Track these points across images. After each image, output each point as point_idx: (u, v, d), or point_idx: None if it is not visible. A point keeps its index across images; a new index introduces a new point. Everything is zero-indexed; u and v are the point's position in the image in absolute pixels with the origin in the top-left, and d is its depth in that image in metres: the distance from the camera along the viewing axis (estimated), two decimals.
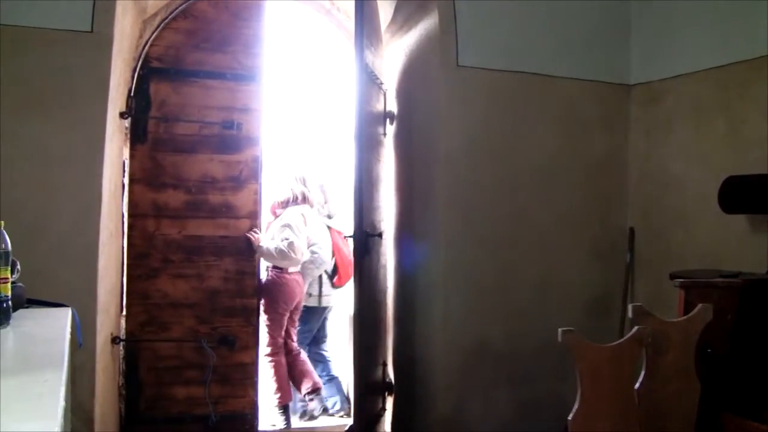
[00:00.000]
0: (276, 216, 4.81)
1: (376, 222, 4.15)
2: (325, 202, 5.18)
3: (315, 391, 4.89)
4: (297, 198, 4.80)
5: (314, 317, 5.23)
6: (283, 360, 4.78)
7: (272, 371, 4.71)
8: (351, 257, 5.13)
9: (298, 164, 5.15)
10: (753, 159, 3.38)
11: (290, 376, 4.85)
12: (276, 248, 4.46)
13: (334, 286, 5.24)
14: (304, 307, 5.04)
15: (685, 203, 3.86)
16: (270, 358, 4.71)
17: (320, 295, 5.18)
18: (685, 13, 3.89)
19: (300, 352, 4.94)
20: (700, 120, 3.81)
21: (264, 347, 4.66)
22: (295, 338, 4.96)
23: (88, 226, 3.20)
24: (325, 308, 5.28)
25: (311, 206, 4.92)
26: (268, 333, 4.70)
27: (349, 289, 5.27)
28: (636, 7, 4.22)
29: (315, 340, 5.31)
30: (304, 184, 4.88)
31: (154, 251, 4.06)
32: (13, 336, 1.83)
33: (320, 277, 5.15)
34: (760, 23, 3.39)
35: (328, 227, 5.18)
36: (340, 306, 5.37)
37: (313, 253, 4.97)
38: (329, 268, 5.18)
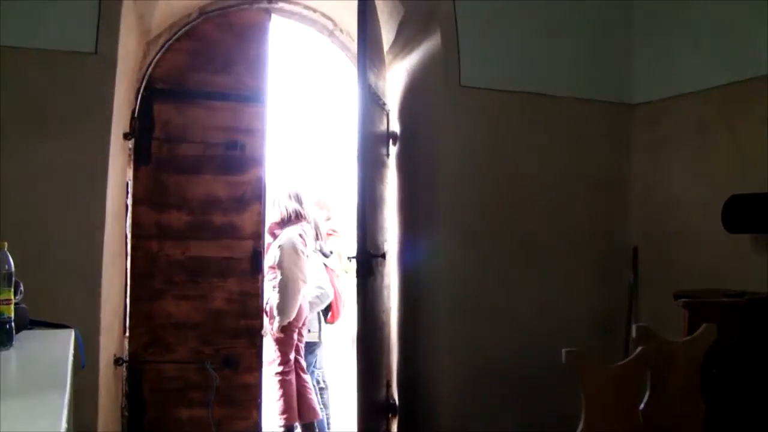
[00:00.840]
0: (274, 237, 4.79)
1: (380, 242, 4.15)
2: (317, 239, 5.04)
3: (309, 424, 4.82)
4: (291, 216, 4.78)
5: (314, 351, 5.20)
6: (294, 379, 4.72)
7: (281, 390, 4.63)
8: (342, 295, 5.27)
9: (291, 180, 5.12)
10: (756, 178, 3.37)
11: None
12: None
13: (326, 322, 5.28)
14: (306, 342, 5.00)
15: (689, 222, 3.85)
16: (280, 377, 4.64)
17: (320, 330, 5.21)
18: (687, 33, 3.90)
19: (304, 376, 4.87)
20: (703, 139, 3.81)
21: (274, 366, 4.63)
22: (302, 359, 4.90)
23: (91, 248, 3.20)
24: (320, 343, 5.30)
25: (308, 222, 4.89)
26: (280, 350, 4.66)
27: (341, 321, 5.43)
28: (638, 26, 4.23)
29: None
30: (298, 201, 4.85)
31: (158, 272, 4.05)
32: (15, 357, 1.82)
33: (318, 313, 5.15)
34: (761, 42, 3.39)
35: (324, 265, 5.15)
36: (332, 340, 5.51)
37: (319, 288, 4.99)
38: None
